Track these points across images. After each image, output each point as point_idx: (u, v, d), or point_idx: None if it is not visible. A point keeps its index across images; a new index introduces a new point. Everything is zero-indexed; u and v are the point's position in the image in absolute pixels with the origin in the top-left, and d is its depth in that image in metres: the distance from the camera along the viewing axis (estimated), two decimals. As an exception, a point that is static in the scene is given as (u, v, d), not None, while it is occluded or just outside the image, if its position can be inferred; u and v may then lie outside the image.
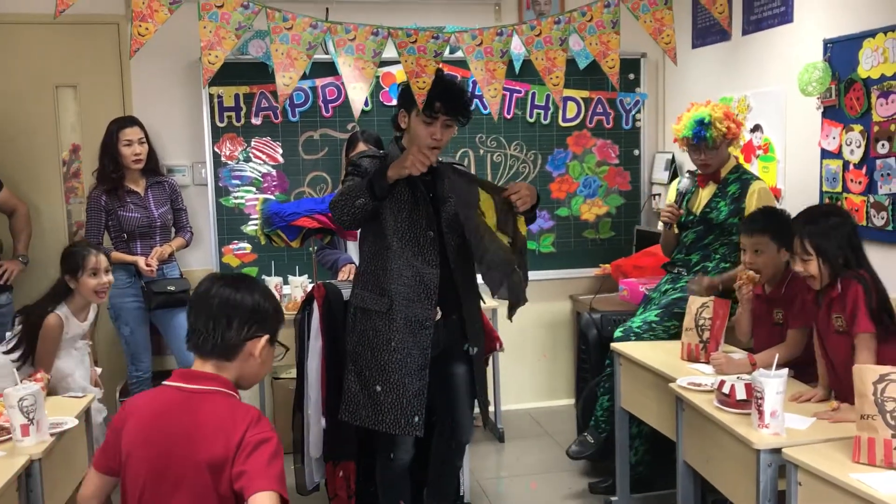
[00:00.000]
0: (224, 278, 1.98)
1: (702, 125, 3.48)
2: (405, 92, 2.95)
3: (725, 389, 2.61)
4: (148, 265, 4.00)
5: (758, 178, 3.66)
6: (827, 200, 3.67)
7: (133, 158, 4.03)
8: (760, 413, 2.40)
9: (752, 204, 3.51)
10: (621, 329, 3.63)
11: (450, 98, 2.89)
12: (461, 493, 3.57)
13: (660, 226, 3.95)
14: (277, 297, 4.22)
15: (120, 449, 1.89)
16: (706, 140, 3.50)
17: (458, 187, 2.92)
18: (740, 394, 2.56)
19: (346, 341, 3.04)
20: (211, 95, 4.53)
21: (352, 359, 2.98)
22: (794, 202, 3.92)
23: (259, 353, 1.93)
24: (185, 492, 1.81)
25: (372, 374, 2.91)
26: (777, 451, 2.34)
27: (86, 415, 2.96)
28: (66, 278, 3.26)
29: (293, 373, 3.59)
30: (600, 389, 3.74)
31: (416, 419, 2.88)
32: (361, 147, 4.02)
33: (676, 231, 3.73)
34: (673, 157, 4.91)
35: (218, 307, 1.91)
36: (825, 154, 3.68)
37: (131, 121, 4.10)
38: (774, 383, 2.38)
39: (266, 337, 1.94)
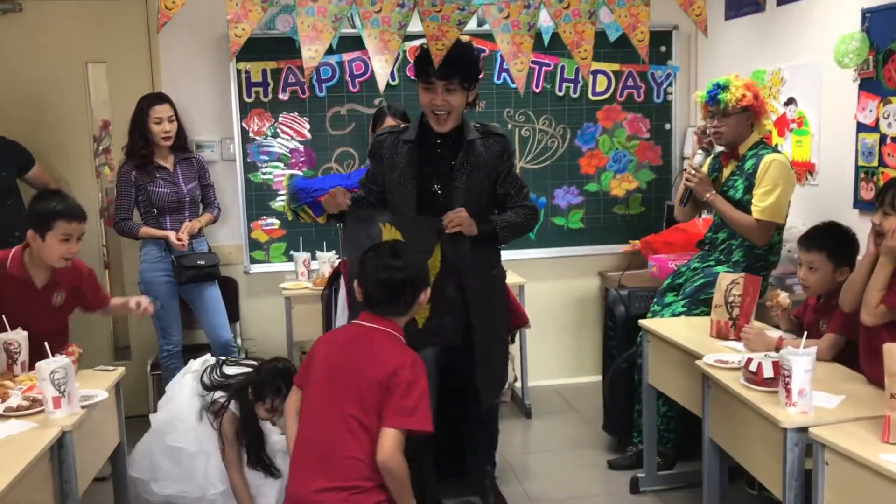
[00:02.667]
0: (385, 253, 2.42)
1: (718, 87, 3.47)
2: (414, 64, 2.98)
3: (752, 367, 2.58)
4: (179, 239, 4.04)
5: (776, 151, 3.54)
6: (862, 175, 3.59)
7: (163, 135, 4.06)
8: (788, 391, 2.37)
9: (761, 178, 3.43)
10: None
11: (442, 61, 2.85)
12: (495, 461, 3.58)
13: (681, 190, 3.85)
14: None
15: (311, 367, 2.40)
16: (718, 102, 3.45)
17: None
18: (767, 372, 2.53)
19: None
20: (238, 71, 4.54)
21: None
22: (828, 177, 3.85)
23: (424, 299, 2.45)
24: (354, 395, 2.28)
25: None
26: (804, 430, 2.31)
27: (116, 388, 3.01)
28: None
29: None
30: (660, 402, 3.59)
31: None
32: (389, 122, 4.01)
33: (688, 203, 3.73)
34: (704, 130, 4.82)
35: (392, 286, 2.36)
36: (861, 128, 3.59)
37: (161, 98, 4.12)
38: (802, 361, 2.34)
39: (427, 289, 2.45)
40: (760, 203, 3.43)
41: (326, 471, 2.25)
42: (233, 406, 2.84)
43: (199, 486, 2.80)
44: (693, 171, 3.62)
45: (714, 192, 3.59)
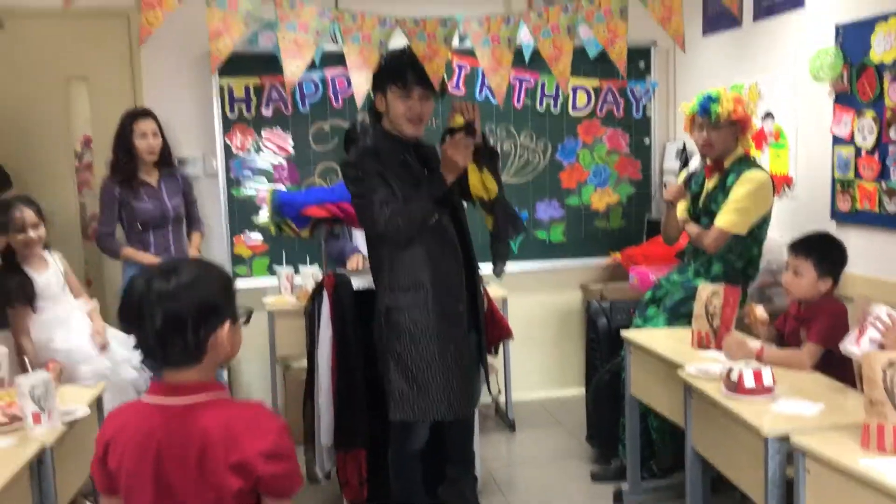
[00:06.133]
0: (154, 278, 1.68)
1: (710, 99, 3.47)
2: (377, 75, 2.97)
3: (734, 377, 2.59)
4: None
5: (757, 167, 3.52)
6: (839, 187, 3.64)
7: (147, 151, 4.05)
8: (861, 332, 2.49)
9: (735, 191, 3.42)
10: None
11: (420, 69, 2.88)
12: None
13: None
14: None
15: (111, 471, 1.72)
16: (710, 114, 3.46)
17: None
18: (748, 381, 2.55)
19: (381, 344, 3.00)
20: (221, 87, 4.54)
21: (393, 358, 2.94)
22: (806, 189, 3.90)
23: (226, 340, 1.72)
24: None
25: (420, 367, 2.91)
26: (785, 438, 2.32)
27: (98, 403, 2.99)
28: None
29: (304, 362, 3.61)
30: (651, 417, 3.57)
31: (468, 396, 2.99)
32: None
33: (683, 216, 3.70)
34: (684, 145, 4.89)
35: (163, 320, 1.64)
36: (837, 140, 3.65)
37: (145, 113, 4.11)
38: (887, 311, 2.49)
39: (227, 323, 1.72)
40: (724, 213, 3.45)
41: None
42: None
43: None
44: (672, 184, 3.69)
45: (674, 201, 3.67)
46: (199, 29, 3.21)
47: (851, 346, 2.53)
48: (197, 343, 1.68)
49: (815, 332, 2.89)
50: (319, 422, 3.30)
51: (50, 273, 3.29)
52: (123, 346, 3.24)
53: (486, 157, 2.97)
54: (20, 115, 4.53)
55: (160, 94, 4.59)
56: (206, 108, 4.61)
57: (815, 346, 2.87)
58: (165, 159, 4.18)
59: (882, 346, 2.46)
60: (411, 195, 2.87)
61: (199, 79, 4.61)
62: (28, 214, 3.23)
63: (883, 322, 2.49)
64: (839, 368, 2.75)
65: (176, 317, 1.65)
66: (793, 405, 2.49)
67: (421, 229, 2.85)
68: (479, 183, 2.95)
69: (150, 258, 4.03)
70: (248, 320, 1.94)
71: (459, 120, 2.84)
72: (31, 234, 3.21)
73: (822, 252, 2.99)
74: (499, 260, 3.12)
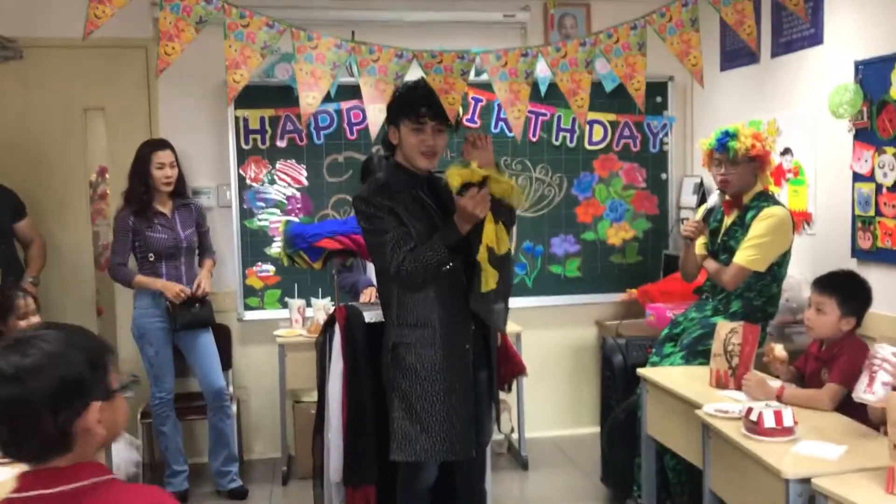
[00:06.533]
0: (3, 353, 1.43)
1: (727, 135, 3.44)
2: (391, 108, 2.94)
3: (753, 417, 2.53)
4: (182, 293, 4.02)
5: (778, 205, 3.49)
6: (860, 224, 3.59)
7: (164, 181, 4.06)
8: (872, 379, 2.41)
9: (755, 227, 3.37)
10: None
11: (435, 102, 2.86)
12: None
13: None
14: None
15: None
16: (728, 150, 3.42)
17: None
18: (768, 422, 2.49)
19: (387, 381, 2.96)
20: (237, 118, 4.56)
21: (398, 396, 2.90)
22: (826, 226, 3.84)
23: (98, 422, 1.47)
24: None
25: (424, 406, 2.86)
26: (806, 481, 2.26)
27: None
28: None
29: (315, 395, 3.56)
30: (667, 457, 3.50)
31: (470, 438, 2.90)
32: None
33: (701, 252, 3.65)
34: (701, 181, 4.85)
35: (5, 409, 1.41)
36: (857, 177, 3.60)
37: (163, 144, 4.12)
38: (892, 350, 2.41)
39: (95, 405, 1.46)
40: (743, 249, 3.41)
41: None
42: None
43: None
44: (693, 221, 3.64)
45: (693, 237, 3.61)
46: (215, 60, 3.24)
47: (865, 393, 2.45)
48: (58, 432, 1.43)
49: (837, 372, 2.83)
50: (329, 457, 3.24)
51: None
52: None
53: (506, 212, 2.92)
54: (37, 143, 4.56)
55: (176, 124, 4.61)
56: (221, 139, 4.63)
57: (837, 386, 2.81)
58: (180, 190, 4.18)
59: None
60: (423, 233, 2.83)
61: (215, 110, 4.63)
62: (30, 302, 3.27)
63: (891, 363, 2.42)
64: (861, 410, 2.68)
65: (20, 404, 1.40)
66: (814, 447, 2.43)
67: (434, 276, 2.80)
68: (493, 233, 2.89)
69: (161, 284, 4.02)
70: (128, 388, 1.68)
71: (477, 175, 2.79)
72: (33, 319, 3.24)
73: (847, 291, 2.93)
74: (499, 321, 3.02)
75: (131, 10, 2.91)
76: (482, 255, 2.80)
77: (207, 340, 4.19)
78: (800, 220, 3.94)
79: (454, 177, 2.77)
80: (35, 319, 3.25)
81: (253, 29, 2.91)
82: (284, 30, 2.94)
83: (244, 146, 4.60)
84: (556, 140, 4.90)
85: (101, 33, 2.79)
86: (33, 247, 4.27)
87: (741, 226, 3.48)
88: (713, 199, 3.65)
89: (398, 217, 2.83)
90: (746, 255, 3.37)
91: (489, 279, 2.81)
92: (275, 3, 4.54)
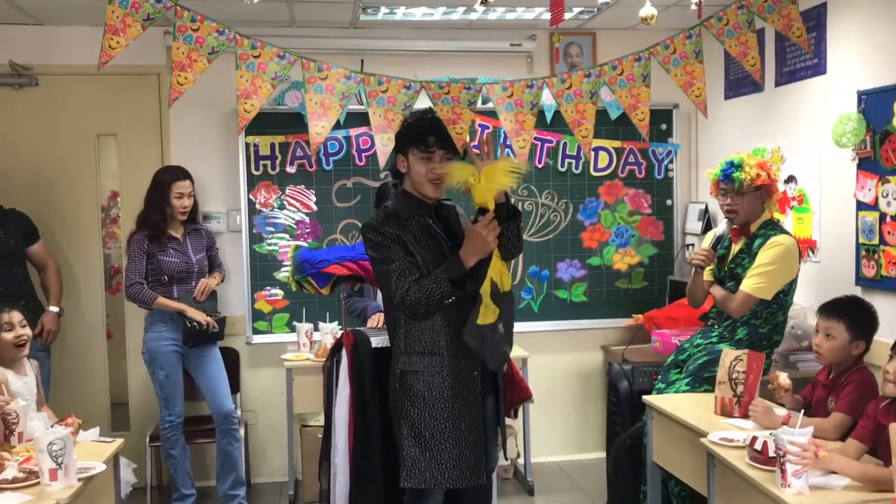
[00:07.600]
0: None
1: (732, 165, 3.47)
2: (400, 136, 2.98)
3: (757, 446, 2.54)
4: (197, 319, 4.07)
5: (784, 233, 3.51)
6: (864, 253, 3.61)
7: (181, 210, 4.11)
8: (783, 472, 2.34)
9: (762, 255, 3.40)
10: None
11: (443, 131, 2.90)
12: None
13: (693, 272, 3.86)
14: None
15: None
16: (733, 181, 3.46)
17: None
18: (773, 451, 2.50)
19: (395, 408, 2.97)
20: (247, 144, 4.62)
21: (406, 424, 2.91)
22: (830, 254, 3.87)
23: None
24: None
25: (433, 434, 2.88)
26: (812, 511, 2.27)
27: (114, 459, 2.98)
28: None
29: (322, 419, 3.58)
30: (671, 483, 3.50)
31: (480, 465, 2.91)
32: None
33: (708, 279, 3.67)
34: (706, 207, 4.88)
35: None
36: (861, 206, 3.63)
37: (184, 174, 4.16)
38: (798, 441, 2.32)
39: None
40: (750, 277, 3.43)
41: None
42: None
43: None
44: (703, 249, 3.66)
45: (703, 266, 3.63)
46: (226, 87, 3.30)
47: (784, 489, 2.34)
48: None
49: (844, 402, 2.84)
50: (335, 482, 3.26)
51: (28, 380, 3.29)
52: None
53: (509, 208, 2.94)
54: (49, 168, 4.62)
55: (187, 150, 4.67)
56: (231, 164, 4.68)
57: (843, 416, 2.82)
58: (192, 216, 4.24)
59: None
60: (431, 262, 2.85)
61: (226, 136, 4.70)
62: (14, 314, 3.24)
63: (791, 452, 2.33)
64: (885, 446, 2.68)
65: None
66: (819, 476, 2.44)
67: (437, 307, 2.83)
68: (500, 268, 2.91)
69: (183, 307, 4.07)
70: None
71: (491, 203, 2.83)
72: (21, 331, 3.22)
73: (855, 315, 2.96)
74: (497, 360, 2.99)
75: (145, 37, 2.95)
76: (485, 289, 2.82)
77: (217, 363, 4.22)
78: (804, 248, 3.96)
79: (457, 172, 2.83)
80: (24, 332, 3.23)
81: (264, 60, 2.96)
82: (295, 60, 3.00)
83: (254, 172, 4.66)
84: (562, 166, 4.94)
85: (115, 60, 2.84)
86: (48, 272, 4.29)
87: (748, 253, 3.50)
88: (721, 226, 3.67)
89: (405, 246, 2.86)
90: (753, 283, 3.40)
91: (488, 313, 2.83)
92: (285, 32, 4.64)
